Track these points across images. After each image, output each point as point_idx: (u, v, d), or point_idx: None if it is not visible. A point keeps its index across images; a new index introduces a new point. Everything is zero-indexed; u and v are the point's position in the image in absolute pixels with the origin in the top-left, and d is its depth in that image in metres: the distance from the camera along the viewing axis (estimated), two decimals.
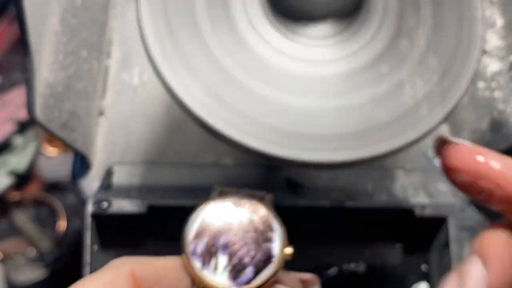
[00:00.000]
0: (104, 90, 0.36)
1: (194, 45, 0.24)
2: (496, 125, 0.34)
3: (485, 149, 0.22)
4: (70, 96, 0.32)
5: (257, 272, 0.22)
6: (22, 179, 0.76)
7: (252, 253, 0.22)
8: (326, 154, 0.23)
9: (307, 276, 0.25)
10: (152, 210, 0.32)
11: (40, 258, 0.72)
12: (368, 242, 0.36)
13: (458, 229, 0.33)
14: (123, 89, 0.37)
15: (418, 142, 0.24)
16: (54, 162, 0.76)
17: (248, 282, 0.22)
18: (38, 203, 0.75)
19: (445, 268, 0.34)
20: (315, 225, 0.35)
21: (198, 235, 0.22)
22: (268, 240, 0.22)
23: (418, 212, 0.33)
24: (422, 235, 0.35)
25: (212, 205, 0.23)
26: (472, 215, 0.33)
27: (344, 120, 0.24)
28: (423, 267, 0.36)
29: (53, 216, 0.74)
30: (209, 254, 0.22)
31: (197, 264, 0.22)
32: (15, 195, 0.75)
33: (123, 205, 0.32)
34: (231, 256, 0.22)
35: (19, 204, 0.75)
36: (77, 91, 0.33)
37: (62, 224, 0.73)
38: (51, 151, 0.76)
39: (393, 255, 0.36)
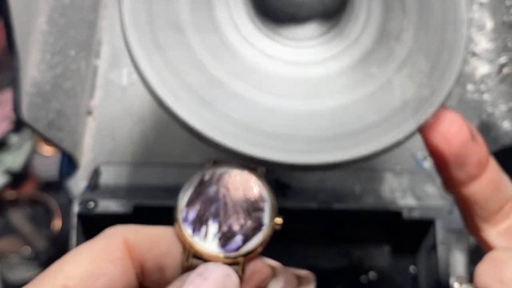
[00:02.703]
0: (92, 89, 0.36)
1: (177, 48, 0.24)
2: (485, 128, 0.34)
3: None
4: (57, 95, 0.32)
5: (246, 240, 0.23)
6: (18, 178, 0.76)
7: (242, 221, 0.23)
8: (312, 156, 0.23)
9: (303, 272, 0.25)
10: (139, 210, 0.32)
11: (35, 257, 0.72)
12: (356, 244, 0.36)
13: (445, 232, 0.33)
14: (111, 89, 0.37)
15: (406, 142, 0.24)
16: (50, 161, 0.76)
17: (237, 249, 0.22)
18: (33, 202, 0.76)
19: (432, 270, 0.34)
20: (302, 227, 0.35)
21: (190, 203, 0.23)
22: (258, 209, 0.23)
23: (406, 214, 0.33)
24: (410, 237, 0.35)
25: (205, 174, 0.24)
26: (460, 217, 0.33)
27: (331, 121, 0.24)
28: (411, 268, 0.36)
29: (48, 215, 0.75)
30: (200, 222, 0.23)
31: (188, 230, 0.22)
32: (11, 194, 0.75)
33: (110, 205, 0.32)
34: (221, 224, 0.23)
35: (14, 203, 0.75)
36: (65, 91, 0.33)
37: (57, 223, 0.74)
38: (46, 150, 0.76)
39: (381, 257, 0.36)
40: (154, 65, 0.23)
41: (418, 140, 0.38)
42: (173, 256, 0.23)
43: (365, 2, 0.26)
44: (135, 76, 0.37)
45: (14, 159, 0.76)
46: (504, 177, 0.25)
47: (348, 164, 0.23)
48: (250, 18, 0.26)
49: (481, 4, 0.35)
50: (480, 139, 0.24)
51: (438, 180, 0.36)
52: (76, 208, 0.31)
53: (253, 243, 0.23)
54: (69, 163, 0.34)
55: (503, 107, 0.33)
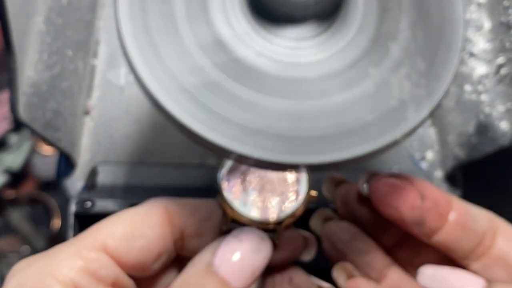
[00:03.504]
0: (90, 89, 0.36)
1: (172, 47, 0.24)
2: (482, 129, 0.34)
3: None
4: (54, 95, 0.32)
5: (282, 209, 0.24)
6: (17, 177, 0.76)
7: (279, 191, 0.24)
8: (310, 157, 0.23)
9: (306, 233, 0.27)
10: None
11: None
12: None
13: None
14: (109, 89, 0.37)
15: (403, 142, 0.24)
16: (49, 161, 0.76)
17: (274, 216, 0.24)
18: (33, 201, 0.76)
19: None
20: (299, 228, 0.35)
21: (231, 171, 0.24)
22: (295, 180, 0.24)
23: None
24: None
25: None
26: None
27: (328, 122, 0.24)
28: None
29: (47, 214, 0.75)
30: (240, 189, 0.24)
31: (228, 196, 0.24)
32: (10, 193, 0.75)
33: (107, 205, 0.32)
34: (259, 192, 0.24)
35: (14, 202, 0.75)
36: (62, 91, 0.33)
37: (56, 223, 0.74)
38: (46, 149, 0.76)
39: None
40: (150, 68, 0.23)
41: (415, 141, 0.38)
42: (212, 222, 0.24)
43: (362, 2, 0.26)
44: (132, 76, 0.37)
45: (14, 159, 0.76)
46: (472, 212, 0.25)
47: (346, 164, 0.23)
48: (246, 19, 0.26)
49: (479, 5, 0.34)
50: (433, 193, 0.25)
51: (435, 180, 0.36)
52: (73, 208, 0.31)
53: (288, 212, 0.24)
54: (66, 163, 0.34)
55: (500, 108, 0.33)
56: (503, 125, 0.33)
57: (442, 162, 0.37)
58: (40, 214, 0.75)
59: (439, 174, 0.36)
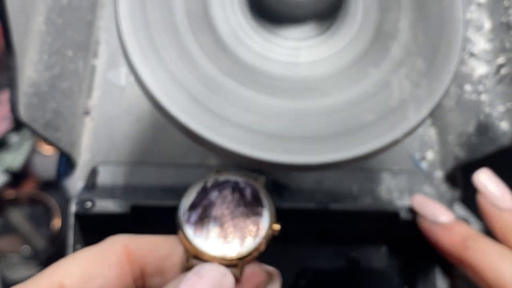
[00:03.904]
0: (90, 90, 0.36)
1: (173, 49, 0.24)
2: (483, 129, 0.34)
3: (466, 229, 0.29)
4: (54, 95, 0.32)
5: (244, 244, 0.24)
6: (17, 177, 0.76)
7: (241, 225, 0.24)
8: (310, 156, 0.23)
9: (270, 268, 0.26)
10: (136, 210, 0.32)
11: (35, 256, 0.72)
12: (353, 244, 0.36)
13: None
14: (109, 89, 0.37)
15: (402, 142, 0.24)
16: (49, 161, 0.76)
17: (235, 252, 0.23)
18: (33, 201, 0.76)
19: (429, 270, 0.34)
20: (300, 227, 0.35)
21: (193, 206, 0.24)
22: (257, 214, 0.24)
23: (403, 215, 0.33)
24: (407, 238, 0.35)
25: (207, 181, 0.25)
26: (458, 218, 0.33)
27: (328, 121, 0.24)
28: (408, 269, 0.36)
29: (48, 214, 0.74)
30: (201, 224, 0.24)
31: (189, 232, 0.24)
32: (10, 193, 0.75)
33: (107, 205, 0.32)
34: (221, 227, 0.24)
35: (14, 202, 0.75)
36: (62, 91, 0.33)
37: (56, 222, 0.74)
38: (46, 149, 0.76)
39: (378, 257, 0.36)
40: (151, 69, 0.23)
41: (415, 141, 0.38)
42: (173, 259, 0.23)
43: (362, 2, 0.26)
44: (133, 76, 0.37)
45: (14, 158, 0.76)
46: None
47: (346, 164, 0.23)
48: (246, 19, 0.26)
49: (479, 5, 0.34)
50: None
51: (435, 180, 0.36)
52: (73, 208, 0.31)
53: (251, 247, 0.23)
54: (66, 163, 0.34)
55: (501, 108, 0.33)
56: (503, 125, 0.33)
57: (442, 162, 0.37)
58: (40, 214, 0.75)
59: (439, 174, 0.36)
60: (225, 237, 0.24)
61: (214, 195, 0.25)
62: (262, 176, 0.25)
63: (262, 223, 0.24)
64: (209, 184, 0.25)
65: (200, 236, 0.23)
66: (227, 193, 0.25)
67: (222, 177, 0.25)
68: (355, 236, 0.36)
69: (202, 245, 0.23)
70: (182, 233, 0.23)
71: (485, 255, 0.27)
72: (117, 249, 0.22)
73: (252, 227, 0.24)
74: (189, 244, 0.23)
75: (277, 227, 0.24)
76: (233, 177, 0.25)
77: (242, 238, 0.24)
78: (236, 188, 0.25)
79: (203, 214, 0.24)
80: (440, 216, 0.31)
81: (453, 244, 0.29)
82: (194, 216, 0.24)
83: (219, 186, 0.25)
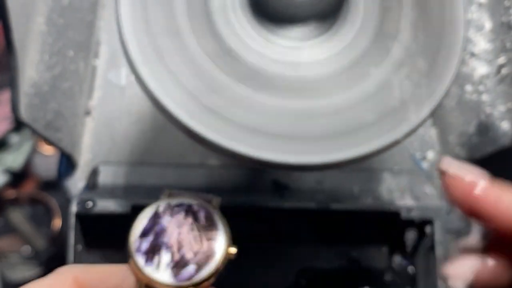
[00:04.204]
0: (91, 90, 0.36)
1: (174, 49, 0.24)
2: (483, 128, 0.34)
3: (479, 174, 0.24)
4: (55, 96, 0.32)
5: (199, 269, 0.23)
6: (18, 177, 0.76)
7: (194, 250, 0.23)
8: (312, 156, 0.23)
9: None
10: (137, 210, 0.31)
11: (35, 256, 0.72)
12: (354, 244, 0.36)
13: (443, 232, 0.33)
14: (110, 89, 0.37)
15: (402, 142, 0.24)
16: (50, 161, 0.76)
17: (190, 278, 0.22)
18: (33, 201, 0.76)
19: (430, 270, 0.34)
20: (300, 227, 0.35)
21: (144, 233, 0.23)
22: (211, 238, 0.23)
23: (404, 214, 0.33)
24: (408, 238, 0.35)
25: (160, 206, 0.24)
26: (458, 218, 0.33)
27: (329, 121, 0.24)
28: (409, 269, 0.36)
29: (48, 214, 0.75)
30: (152, 252, 0.23)
31: (140, 261, 0.23)
32: (11, 193, 0.75)
33: (108, 205, 0.32)
34: (173, 254, 0.23)
35: (14, 202, 0.75)
36: (63, 91, 0.33)
37: (57, 222, 0.74)
38: (47, 149, 0.76)
39: (379, 257, 0.36)
40: (152, 69, 0.23)
41: (416, 140, 0.38)
42: None
43: (363, 3, 0.26)
44: (133, 76, 0.37)
45: (14, 159, 0.76)
46: None
47: (347, 164, 0.23)
48: (247, 20, 0.26)
49: (480, 5, 0.34)
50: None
51: (436, 180, 0.36)
52: (74, 208, 0.31)
53: (205, 272, 0.23)
54: (67, 163, 0.34)
55: (501, 108, 0.33)
56: (504, 125, 0.33)
57: None
58: (41, 214, 0.75)
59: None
60: (177, 264, 0.23)
61: (166, 220, 0.23)
62: (218, 197, 0.24)
63: (217, 247, 0.23)
64: (161, 208, 0.24)
65: (151, 265, 0.22)
66: (180, 217, 0.24)
67: (175, 201, 0.24)
68: (355, 236, 0.36)
69: (154, 274, 0.22)
70: (133, 262, 0.23)
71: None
72: (67, 279, 0.22)
73: (206, 252, 0.23)
74: (141, 274, 0.22)
75: (233, 250, 0.23)
76: (186, 200, 0.24)
77: (197, 264, 0.23)
78: (189, 212, 0.24)
79: (155, 241, 0.23)
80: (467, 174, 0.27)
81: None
82: (145, 244, 0.23)
83: (172, 210, 0.24)
